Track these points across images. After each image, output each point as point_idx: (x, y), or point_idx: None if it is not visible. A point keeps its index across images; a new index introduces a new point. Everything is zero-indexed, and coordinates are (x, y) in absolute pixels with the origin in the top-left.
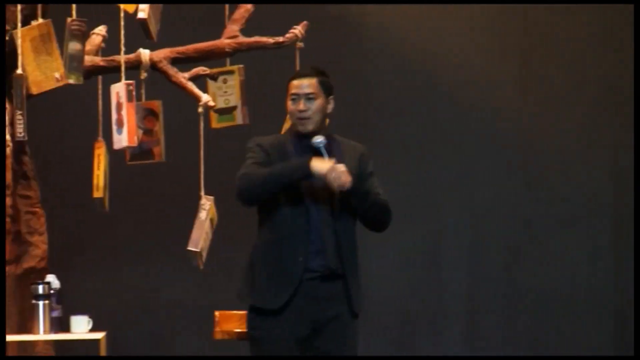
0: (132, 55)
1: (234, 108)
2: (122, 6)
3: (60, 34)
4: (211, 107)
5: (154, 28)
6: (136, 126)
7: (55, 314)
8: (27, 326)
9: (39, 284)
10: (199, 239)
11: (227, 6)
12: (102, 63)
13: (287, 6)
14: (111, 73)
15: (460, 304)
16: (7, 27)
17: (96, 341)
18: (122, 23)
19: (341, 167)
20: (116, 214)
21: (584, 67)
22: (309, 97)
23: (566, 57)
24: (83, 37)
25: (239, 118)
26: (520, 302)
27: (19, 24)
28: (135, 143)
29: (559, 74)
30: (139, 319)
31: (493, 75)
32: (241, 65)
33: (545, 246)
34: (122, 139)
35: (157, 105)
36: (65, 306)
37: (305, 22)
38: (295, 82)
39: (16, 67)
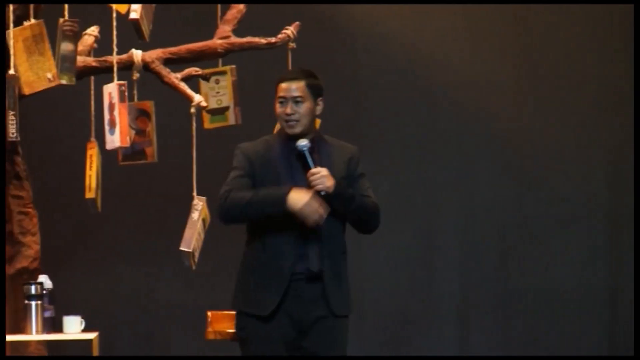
0: (124, 56)
1: (226, 108)
2: (114, 6)
3: (52, 34)
4: (204, 108)
5: (146, 28)
6: (128, 127)
7: (48, 314)
8: (20, 326)
9: (31, 284)
10: (192, 239)
11: (219, 7)
12: (94, 63)
13: (279, 7)
14: (103, 73)
15: (458, 304)
16: None
17: (89, 341)
18: (114, 23)
19: (324, 171)
20: (108, 214)
21: (583, 67)
22: (296, 100)
23: (566, 57)
24: (75, 37)
25: (231, 118)
26: (518, 302)
27: (11, 24)
28: (127, 143)
29: (558, 74)
30: (131, 319)
31: (491, 75)
32: (233, 66)
33: (544, 246)
34: (115, 140)
35: (149, 105)
36: (58, 306)
37: (297, 23)
38: (283, 85)
39: (8, 67)
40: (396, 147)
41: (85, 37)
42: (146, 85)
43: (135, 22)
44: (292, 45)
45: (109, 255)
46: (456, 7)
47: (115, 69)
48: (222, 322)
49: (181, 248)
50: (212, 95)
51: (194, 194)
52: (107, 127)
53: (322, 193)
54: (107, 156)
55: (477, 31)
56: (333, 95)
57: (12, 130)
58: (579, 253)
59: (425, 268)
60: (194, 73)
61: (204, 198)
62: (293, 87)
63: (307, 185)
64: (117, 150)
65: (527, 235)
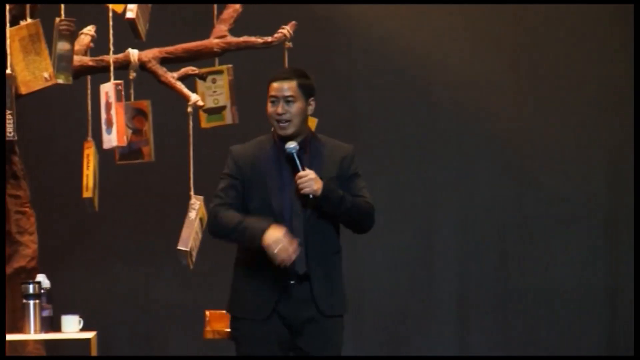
0: (120, 55)
1: (223, 108)
2: (110, 6)
3: (49, 34)
4: (200, 107)
5: (142, 28)
6: (125, 126)
7: (46, 313)
8: (18, 326)
9: (29, 283)
10: (189, 238)
11: (215, 6)
12: (91, 63)
13: (276, 6)
14: (100, 73)
15: (457, 304)
16: None
17: (87, 341)
18: (110, 23)
19: (311, 174)
20: (106, 213)
21: (583, 67)
22: (288, 100)
23: (565, 57)
24: (72, 37)
25: (228, 118)
26: (518, 302)
27: (7, 24)
28: (124, 143)
29: (558, 74)
30: (129, 318)
31: (491, 75)
32: (230, 65)
33: (544, 246)
34: (112, 139)
35: (146, 105)
36: (56, 306)
37: (293, 22)
38: (274, 85)
39: (5, 67)
40: (395, 147)
41: (82, 36)
42: (143, 84)
43: (132, 21)
44: (289, 44)
45: (106, 255)
46: (454, 7)
47: (111, 68)
48: (220, 322)
49: (179, 247)
50: (209, 95)
51: (191, 193)
52: (104, 127)
53: (310, 196)
54: (104, 155)
55: (477, 31)
56: (330, 95)
57: (9, 129)
58: (579, 253)
59: (425, 268)
60: (190, 72)
61: (201, 197)
62: (285, 87)
63: (295, 187)
64: (114, 150)
65: (527, 235)
